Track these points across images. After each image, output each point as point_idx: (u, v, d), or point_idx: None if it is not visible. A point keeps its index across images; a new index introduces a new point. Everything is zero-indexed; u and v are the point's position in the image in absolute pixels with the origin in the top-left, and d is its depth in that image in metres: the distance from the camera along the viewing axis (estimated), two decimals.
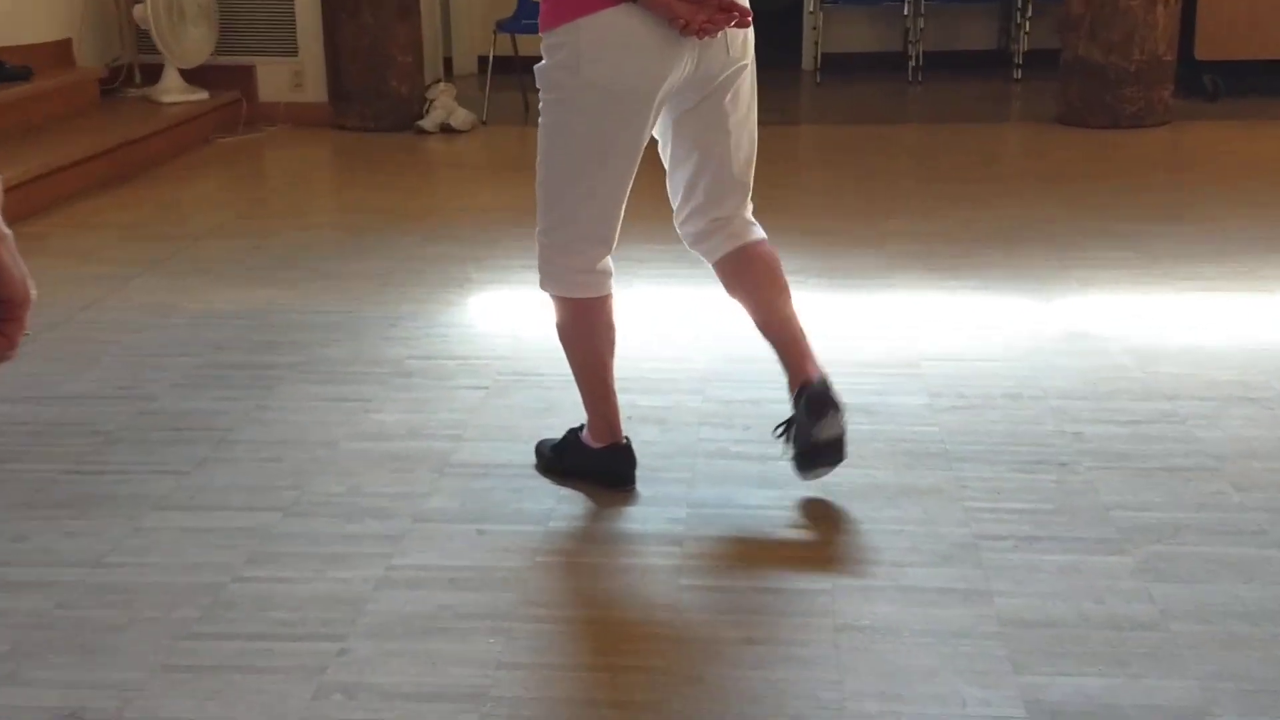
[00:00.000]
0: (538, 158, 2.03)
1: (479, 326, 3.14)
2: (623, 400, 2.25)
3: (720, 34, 1.92)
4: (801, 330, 2.14)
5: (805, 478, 2.13)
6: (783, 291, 2.13)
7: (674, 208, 2.10)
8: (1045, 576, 1.90)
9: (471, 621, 1.79)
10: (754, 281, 2.14)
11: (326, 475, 2.28)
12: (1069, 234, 3.79)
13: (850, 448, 2.30)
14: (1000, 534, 2.04)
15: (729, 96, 2.01)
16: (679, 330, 3.03)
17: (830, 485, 2.20)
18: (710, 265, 2.18)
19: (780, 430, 2.18)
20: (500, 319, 3.15)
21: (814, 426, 2.06)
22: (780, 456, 2.19)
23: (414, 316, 3.15)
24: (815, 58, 6.72)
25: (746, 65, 1.98)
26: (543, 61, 1.96)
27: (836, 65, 6.73)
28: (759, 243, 2.12)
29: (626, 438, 2.19)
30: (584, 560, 1.98)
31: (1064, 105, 5.43)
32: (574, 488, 2.19)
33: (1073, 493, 2.16)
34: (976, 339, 2.96)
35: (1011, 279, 3.39)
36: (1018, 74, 6.47)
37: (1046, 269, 3.46)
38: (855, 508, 2.13)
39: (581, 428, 2.23)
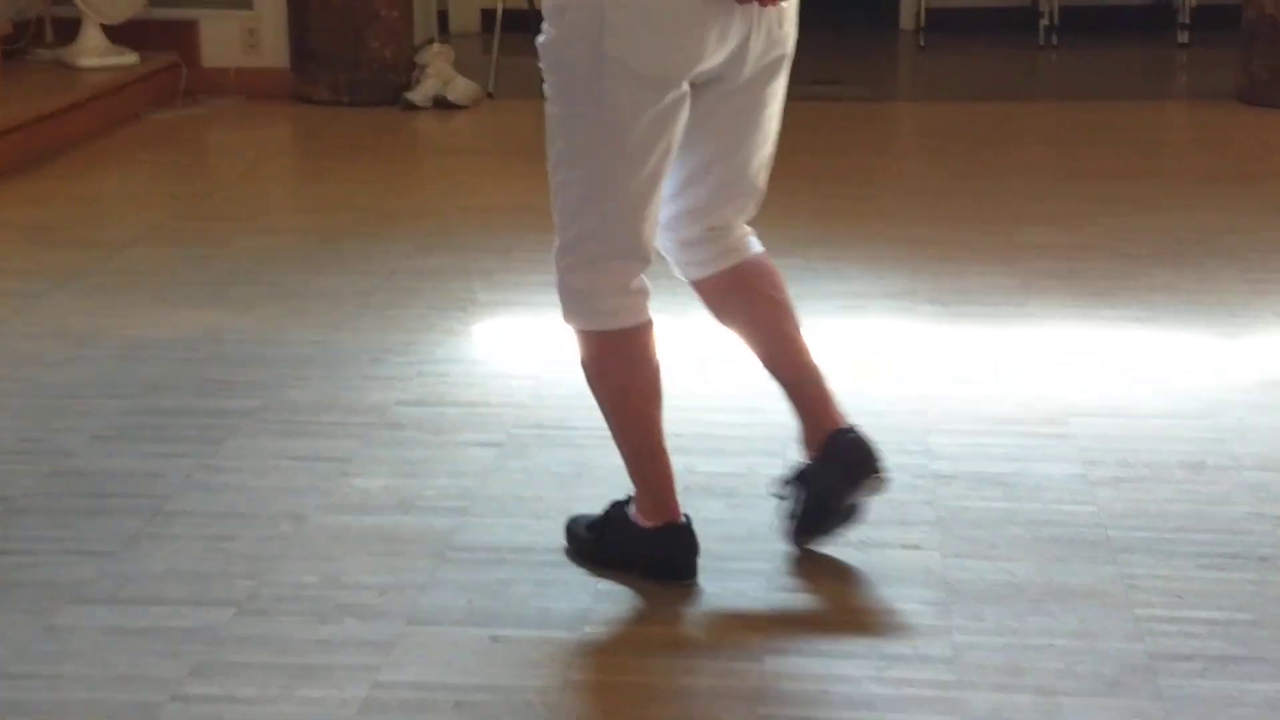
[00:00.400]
0: (549, 159, 2.05)
1: (488, 364, 3.15)
2: (679, 464, 2.25)
3: (775, 6, 1.99)
4: (818, 366, 2.23)
5: (800, 544, 2.22)
6: (792, 315, 2.22)
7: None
8: (1247, 712, 1.87)
9: None
10: (759, 304, 2.22)
11: (293, 560, 2.29)
12: (1259, 249, 3.76)
13: (978, 532, 2.31)
14: (1184, 653, 2.02)
15: (772, 83, 2.09)
16: (750, 371, 2.94)
17: (957, 583, 2.19)
18: (691, 284, 2.24)
19: (787, 487, 2.22)
20: (516, 354, 3.14)
21: (849, 489, 2.17)
22: (792, 519, 2.24)
23: (404, 350, 3.15)
24: (918, 15, 6.71)
25: (789, 49, 2.10)
26: (547, 31, 1.97)
27: (945, 24, 6.71)
28: (760, 257, 2.21)
29: (685, 516, 2.19)
30: (630, 679, 1.97)
31: (1246, 78, 5.38)
32: (617, 581, 2.20)
33: (1278, 599, 2.14)
34: (1142, 387, 2.94)
35: (1186, 308, 3.36)
36: (1184, 37, 6.43)
37: (1232, 295, 3.43)
38: (989, 615, 2.12)
39: (628, 501, 2.25)
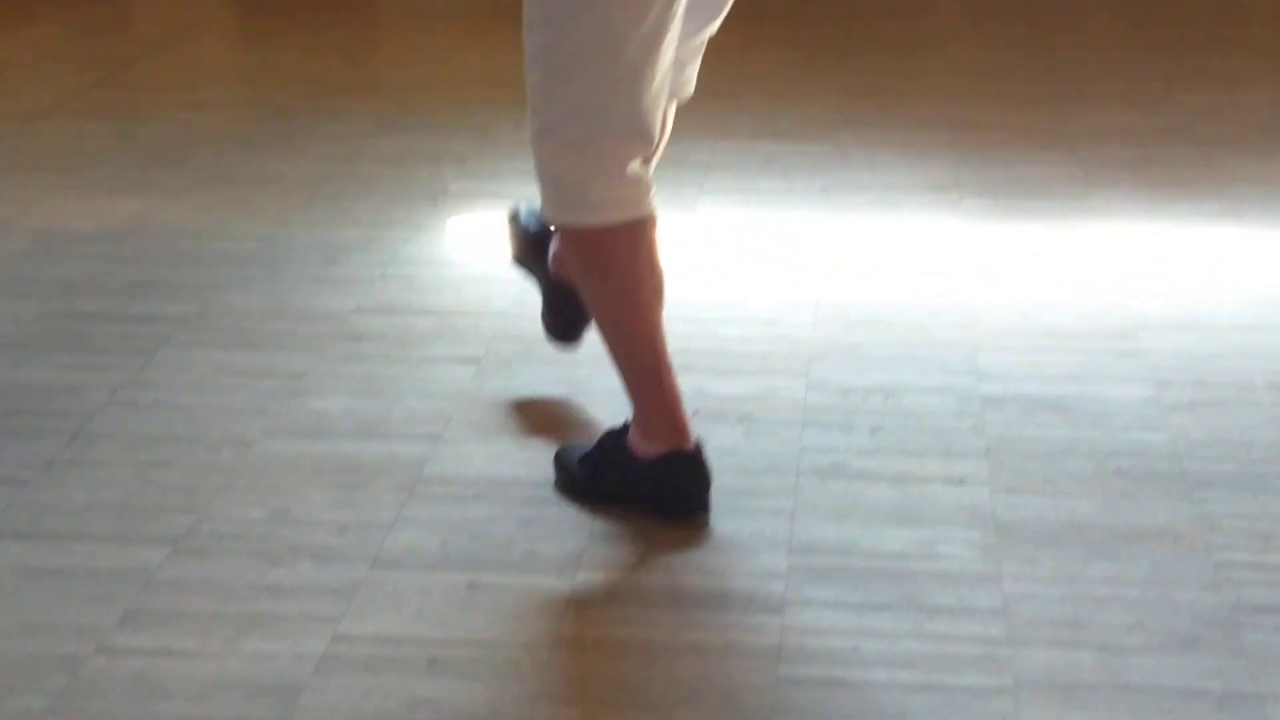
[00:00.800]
0: (526, 16, 2.00)
1: (463, 265, 3.13)
2: (686, 386, 2.25)
3: None
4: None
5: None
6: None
7: None
8: None
9: None
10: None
11: (237, 492, 2.29)
12: None
13: (1033, 464, 2.32)
14: (1270, 603, 2.02)
15: None
16: (770, 278, 3.02)
17: (1009, 523, 2.19)
18: None
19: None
20: (496, 254, 3.12)
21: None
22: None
23: (364, 247, 3.15)
24: None
25: None
26: None
27: None
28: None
29: (697, 441, 2.20)
30: (631, 634, 1.97)
31: None
32: (615, 520, 2.20)
33: None
34: (1223, 296, 2.93)
35: (1275, 203, 3.35)
36: None
37: None
38: (1046, 560, 2.11)
39: (626, 428, 2.23)
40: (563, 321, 2.49)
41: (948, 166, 3.54)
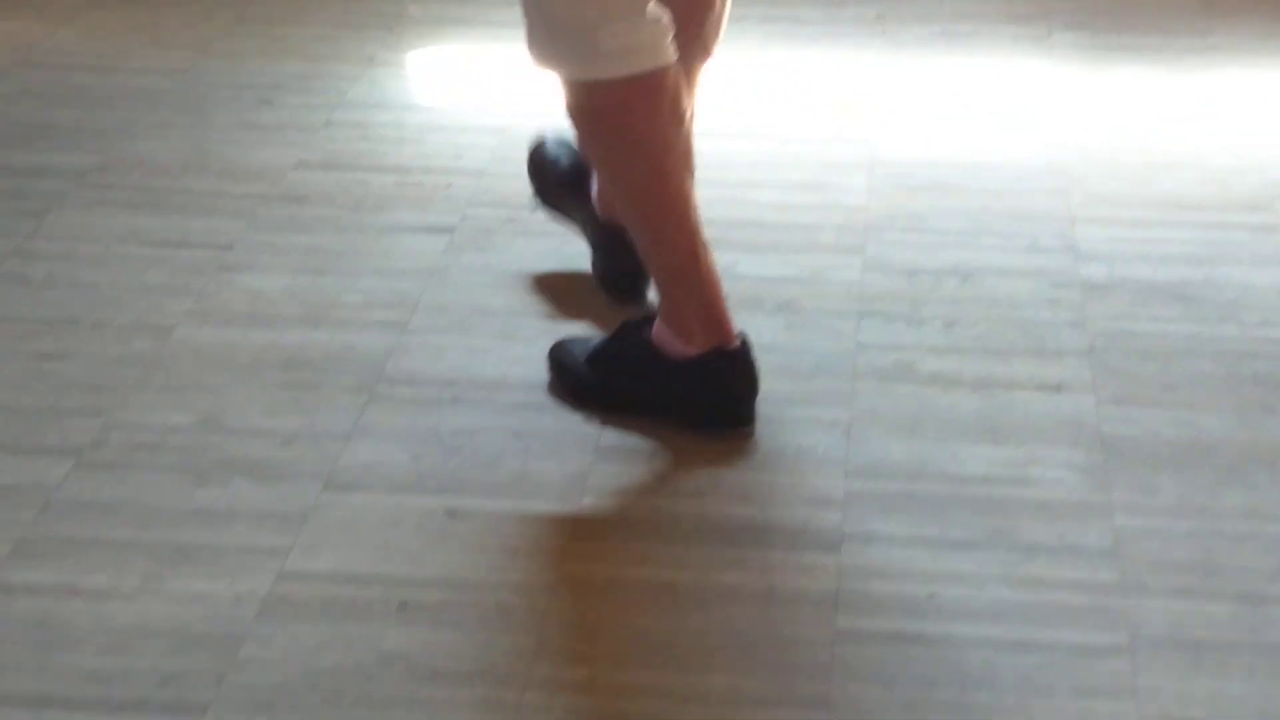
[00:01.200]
0: None
1: (429, 110, 3.11)
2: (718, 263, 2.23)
3: None
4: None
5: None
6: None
7: None
8: None
9: (443, 689, 1.79)
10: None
11: (156, 391, 2.29)
12: None
13: (1149, 367, 2.33)
14: None
15: None
16: (813, 131, 3.01)
17: (1119, 441, 2.17)
18: None
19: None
20: (470, 96, 3.13)
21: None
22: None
23: (304, 86, 3.15)
24: None
25: None
26: None
27: None
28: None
29: (741, 336, 2.22)
30: (650, 576, 1.97)
31: None
32: (627, 431, 2.19)
33: None
34: None
35: None
36: None
37: None
38: (1167, 487, 2.10)
39: (647, 320, 2.24)
40: (623, 269, 2.43)
41: None
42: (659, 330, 2.20)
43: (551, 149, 2.53)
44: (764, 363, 2.25)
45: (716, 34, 2.33)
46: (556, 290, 2.51)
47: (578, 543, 2.02)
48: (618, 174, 2.17)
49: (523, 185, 2.58)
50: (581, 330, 2.35)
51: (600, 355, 2.24)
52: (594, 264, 2.49)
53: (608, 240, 2.42)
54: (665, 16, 2.08)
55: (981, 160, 2.87)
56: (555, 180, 2.52)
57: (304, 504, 2.06)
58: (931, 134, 2.97)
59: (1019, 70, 3.21)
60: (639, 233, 2.19)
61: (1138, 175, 2.84)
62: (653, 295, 2.27)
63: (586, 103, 2.11)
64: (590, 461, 2.14)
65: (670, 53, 2.09)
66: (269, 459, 2.14)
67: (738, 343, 2.18)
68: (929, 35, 3.33)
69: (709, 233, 2.24)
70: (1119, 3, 3.48)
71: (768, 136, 2.96)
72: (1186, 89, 3.15)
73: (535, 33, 2.09)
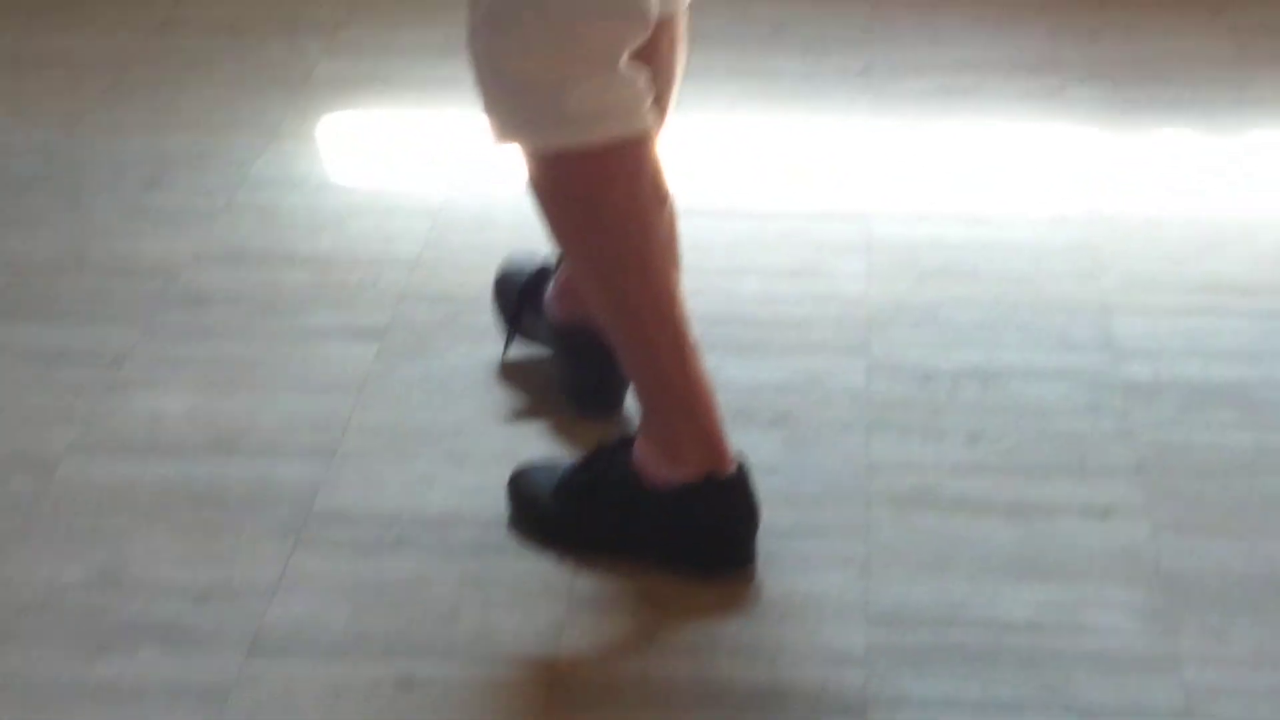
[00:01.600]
0: None
1: (346, 190, 3.13)
2: None
3: None
4: None
5: None
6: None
7: None
8: None
9: None
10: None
11: (38, 540, 2.29)
12: None
13: (1210, 486, 2.33)
14: None
15: None
16: (799, 204, 3.03)
17: (1182, 577, 2.18)
18: None
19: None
20: (400, 167, 3.16)
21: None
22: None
23: (200, 161, 3.15)
24: None
25: None
26: None
27: None
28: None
29: (739, 460, 2.23)
30: None
31: None
32: (606, 575, 2.21)
33: None
34: None
35: None
36: None
37: None
38: (1242, 633, 2.11)
39: (625, 443, 2.25)
40: (597, 379, 2.44)
41: (1041, 39, 3.54)
42: (641, 452, 2.20)
43: (514, 261, 2.57)
44: (762, 488, 2.24)
45: (670, 87, 2.34)
46: (514, 404, 2.51)
47: (552, 715, 2.01)
48: (591, 263, 2.17)
49: (464, 276, 2.59)
50: (547, 452, 2.35)
51: (570, 484, 2.24)
52: (562, 381, 2.50)
53: (573, 344, 2.43)
54: (642, 78, 2.10)
55: (995, 239, 2.89)
56: (518, 295, 2.54)
57: (225, 675, 2.04)
58: (935, 208, 2.99)
59: (1031, 131, 3.23)
60: (616, 334, 2.20)
61: (1177, 253, 2.86)
62: (632, 407, 2.27)
63: (552, 176, 2.12)
64: (563, 614, 2.13)
65: (648, 119, 2.11)
66: (180, 621, 2.12)
67: (735, 467, 2.19)
68: (925, 90, 3.35)
69: (700, 328, 2.24)
70: (1139, 49, 3.52)
71: (746, 214, 2.97)
72: (1224, 150, 3.18)
73: (492, 99, 2.10)
